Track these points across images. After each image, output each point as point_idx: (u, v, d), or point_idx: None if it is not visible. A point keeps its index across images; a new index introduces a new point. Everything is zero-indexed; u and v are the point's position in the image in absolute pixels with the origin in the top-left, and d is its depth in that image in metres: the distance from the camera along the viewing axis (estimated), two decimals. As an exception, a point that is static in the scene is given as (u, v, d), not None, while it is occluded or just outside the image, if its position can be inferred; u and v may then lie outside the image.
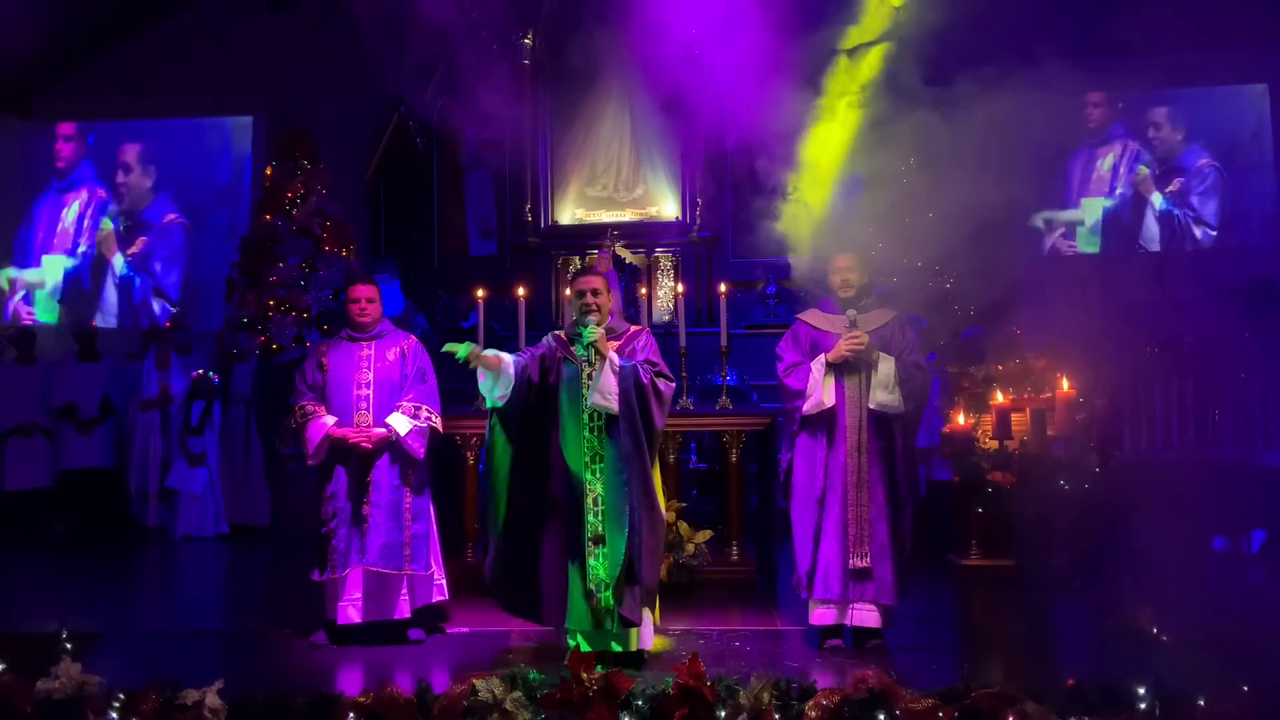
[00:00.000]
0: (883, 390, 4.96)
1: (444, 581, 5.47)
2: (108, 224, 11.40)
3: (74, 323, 10.57)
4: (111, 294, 11.36)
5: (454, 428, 6.40)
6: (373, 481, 5.22)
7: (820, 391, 4.99)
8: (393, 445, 5.24)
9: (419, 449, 5.25)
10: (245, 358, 9.18)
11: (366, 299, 5.40)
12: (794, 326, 5.30)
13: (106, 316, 11.33)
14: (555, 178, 9.64)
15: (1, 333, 9.99)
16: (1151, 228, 10.54)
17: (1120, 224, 10.62)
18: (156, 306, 11.18)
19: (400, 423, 5.22)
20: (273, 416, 8.95)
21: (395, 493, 5.25)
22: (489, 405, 4.93)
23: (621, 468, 4.72)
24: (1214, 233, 10.50)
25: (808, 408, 5.01)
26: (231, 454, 9.06)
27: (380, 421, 5.23)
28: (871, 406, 4.99)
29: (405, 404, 5.28)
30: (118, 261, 11.39)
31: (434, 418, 5.31)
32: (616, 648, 4.72)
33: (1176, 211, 10.51)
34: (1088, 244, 10.72)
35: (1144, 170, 10.58)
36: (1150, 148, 10.60)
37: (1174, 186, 10.52)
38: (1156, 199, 10.56)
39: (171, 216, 11.37)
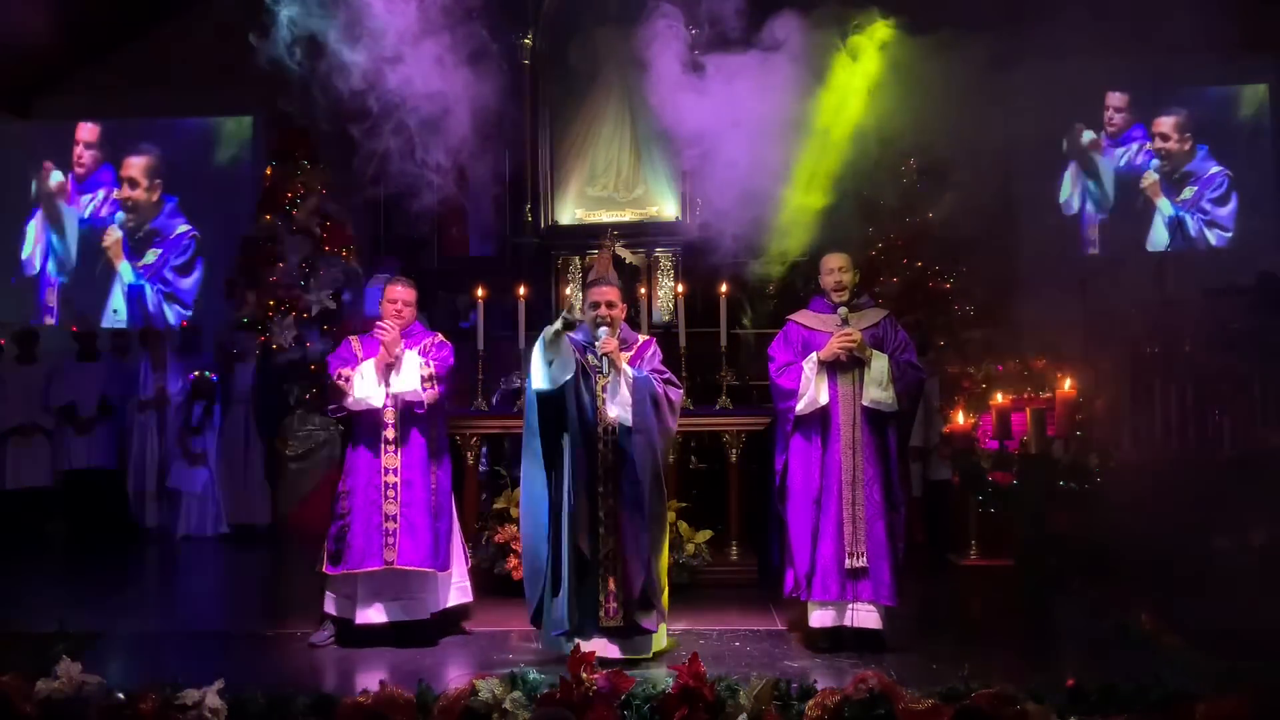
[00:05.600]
0: (876, 387, 4.96)
1: (468, 583, 5.46)
2: (115, 232, 11.34)
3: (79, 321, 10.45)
4: (119, 301, 11.28)
5: (454, 428, 6.39)
6: (401, 481, 5.19)
7: (814, 390, 4.99)
8: (410, 434, 5.21)
9: (425, 391, 5.18)
10: (245, 358, 9.19)
11: (404, 301, 5.34)
12: (785, 327, 5.30)
13: (112, 321, 11.24)
14: (555, 178, 9.60)
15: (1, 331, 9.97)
16: (1160, 233, 10.43)
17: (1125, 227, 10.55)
18: (171, 315, 11.13)
19: (411, 360, 5.21)
20: (273, 416, 8.96)
21: (414, 490, 5.20)
22: (540, 390, 4.75)
23: (636, 476, 4.72)
24: (1228, 235, 10.43)
25: (801, 407, 5.00)
26: (231, 454, 9.07)
27: (403, 423, 5.21)
28: (865, 404, 4.99)
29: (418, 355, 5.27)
30: (124, 270, 11.33)
31: (436, 375, 5.24)
32: (632, 655, 4.74)
33: (1189, 216, 10.44)
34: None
35: (1151, 175, 10.50)
36: (1157, 156, 10.52)
37: (1186, 194, 10.43)
38: (1164, 205, 10.48)
39: (184, 228, 11.31)
